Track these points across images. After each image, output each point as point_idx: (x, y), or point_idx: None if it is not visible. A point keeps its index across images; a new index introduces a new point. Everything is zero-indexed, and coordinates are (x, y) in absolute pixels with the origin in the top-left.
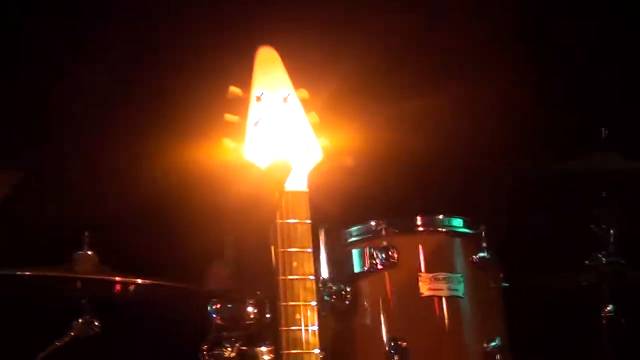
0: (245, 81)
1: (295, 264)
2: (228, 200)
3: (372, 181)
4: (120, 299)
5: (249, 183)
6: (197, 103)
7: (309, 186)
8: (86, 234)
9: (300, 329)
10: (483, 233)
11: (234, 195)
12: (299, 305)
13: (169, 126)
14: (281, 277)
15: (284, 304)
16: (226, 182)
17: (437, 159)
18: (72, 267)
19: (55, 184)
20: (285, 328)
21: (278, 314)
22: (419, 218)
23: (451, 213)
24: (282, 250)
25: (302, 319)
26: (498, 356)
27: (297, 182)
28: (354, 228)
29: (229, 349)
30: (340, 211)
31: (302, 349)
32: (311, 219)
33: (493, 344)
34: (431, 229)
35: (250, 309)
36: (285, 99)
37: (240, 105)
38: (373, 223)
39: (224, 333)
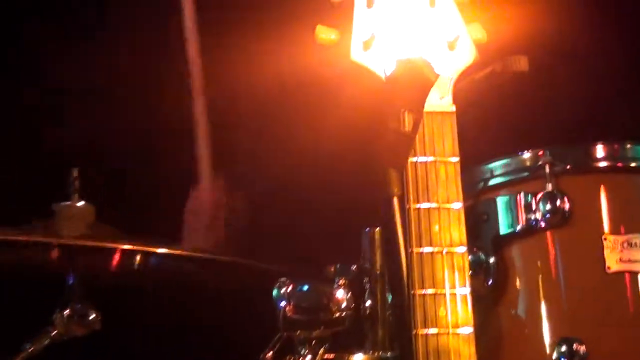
0: None
1: (437, 227)
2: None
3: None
4: (128, 279)
5: (359, 101)
6: None
7: (457, 104)
8: (74, 172)
9: (445, 332)
10: None
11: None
12: (441, 295)
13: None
14: (414, 250)
15: (419, 291)
16: (326, 100)
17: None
18: (51, 226)
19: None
20: (420, 331)
21: (407, 308)
22: (599, 148)
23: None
24: (416, 206)
25: (448, 315)
26: None
27: (438, 98)
28: (498, 163)
29: (307, 357)
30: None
31: None
32: (461, 156)
33: None
34: (620, 164)
35: (340, 293)
36: None
37: None
38: (529, 154)
39: (299, 332)
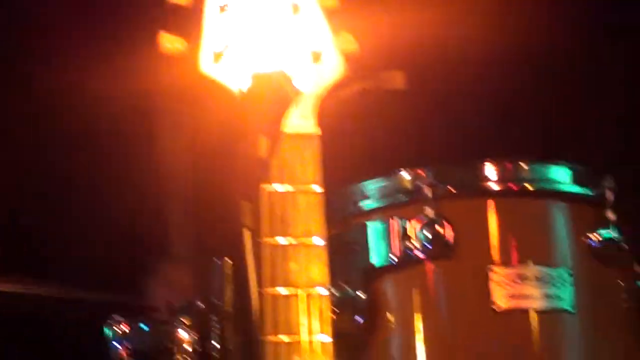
0: None
1: (294, 265)
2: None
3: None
4: None
5: (210, 119)
6: None
7: (322, 126)
8: None
9: None
10: (609, 193)
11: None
12: (297, 343)
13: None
14: (267, 290)
15: (272, 338)
16: (172, 118)
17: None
18: None
19: None
20: None
21: (258, 357)
22: (488, 167)
23: (548, 157)
24: (270, 241)
25: None
26: None
27: (300, 118)
28: (371, 184)
29: None
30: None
31: None
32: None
33: None
34: (512, 186)
35: (184, 334)
36: None
37: None
38: (406, 174)
39: None
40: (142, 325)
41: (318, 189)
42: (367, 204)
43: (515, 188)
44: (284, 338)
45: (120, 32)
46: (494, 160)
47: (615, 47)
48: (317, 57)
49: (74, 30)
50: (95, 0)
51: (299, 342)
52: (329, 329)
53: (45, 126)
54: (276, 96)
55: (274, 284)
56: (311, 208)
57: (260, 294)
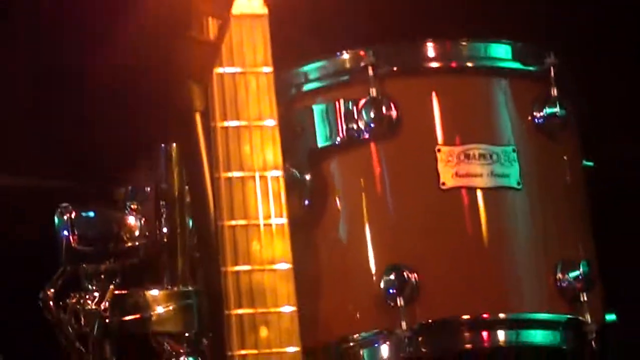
0: None
1: (247, 148)
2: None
3: None
4: None
5: (156, 4)
6: None
7: (269, 5)
8: None
9: (260, 269)
10: (552, 70)
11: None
12: (254, 226)
13: None
14: (222, 175)
15: (228, 222)
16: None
17: None
18: None
19: None
20: (230, 267)
21: (214, 241)
22: (430, 45)
23: (490, 35)
24: (223, 124)
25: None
26: (583, 294)
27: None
28: (313, 65)
29: (95, 293)
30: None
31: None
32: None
33: (573, 273)
34: (455, 64)
35: (132, 219)
36: None
37: None
38: (348, 55)
39: (84, 265)
40: (90, 211)
41: (268, 70)
42: (310, 86)
43: (455, 66)
44: (241, 222)
45: None
46: (435, 38)
47: None
48: None
49: None
50: None
51: (255, 225)
52: (285, 211)
53: None
54: None
55: (228, 168)
56: (262, 90)
57: (215, 179)
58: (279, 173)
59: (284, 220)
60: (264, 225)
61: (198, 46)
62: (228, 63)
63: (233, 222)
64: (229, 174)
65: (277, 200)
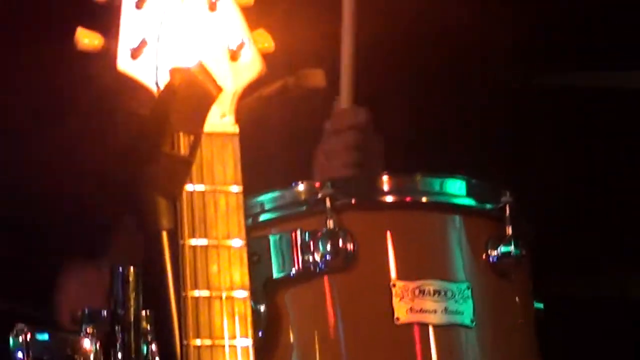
0: None
1: (215, 268)
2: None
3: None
4: None
5: (129, 118)
6: None
7: (240, 125)
8: None
9: None
10: (507, 208)
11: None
12: (219, 347)
13: None
14: (188, 294)
15: (194, 342)
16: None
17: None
18: None
19: None
20: None
21: None
22: (386, 179)
23: (447, 170)
24: (191, 242)
25: None
26: None
27: (219, 117)
28: (270, 195)
29: None
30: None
31: None
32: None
33: None
34: (410, 199)
35: (87, 343)
36: None
37: None
38: (305, 186)
39: None
40: (45, 334)
41: (238, 189)
42: (266, 216)
43: (410, 200)
44: (206, 341)
45: (37, 27)
46: (390, 173)
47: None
48: (234, 55)
49: None
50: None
51: (221, 346)
52: (250, 332)
53: None
54: (196, 92)
55: (195, 287)
56: (231, 209)
57: (181, 297)
58: (246, 294)
59: (250, 341)
60: (229, 345)
61: (170, 162)
62: (198, 180)
63: (198, 342)
64: (196, 293)
65: (243, 320)
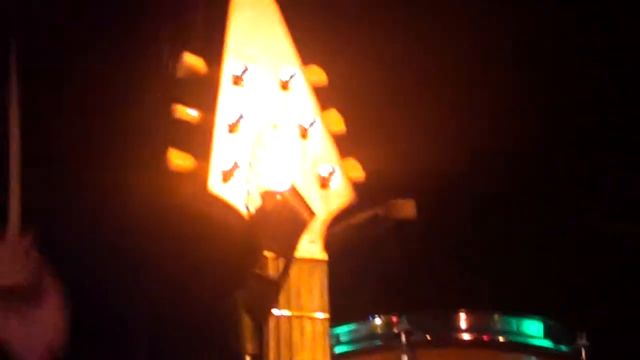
0: (212, 47)
1: None
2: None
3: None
4: None
5: (218, 240)
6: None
7: (328, 252)
8: None
9: None
10: (583, 351)
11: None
12: None
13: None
14: None
15: None
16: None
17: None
18: None
19: None
20: None
21: None
22: (464, 317)
23: (523, 311)
24: None
25: None
26: None
27: (307, 242)
28: (345, 328)
29: None
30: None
31: None
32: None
33: None
34: (487, 337)
35: None
36: (284, 84)
37: (201, 90)
38: (381, 320)
39: None
40: None
41: (324, 316)
42: (341, 348)
43: (487, 339)
44: None
45: (131, 148)
46: (468, 310)
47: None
48: (325, 182)
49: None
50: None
51: None
52: None
53: None
54: (290, 217)
55: None
56: (318, 335)
57: None
58: None
59: None
60: None
61: (260, 284)
62: (284, 305)
63: None
64: None
65: None
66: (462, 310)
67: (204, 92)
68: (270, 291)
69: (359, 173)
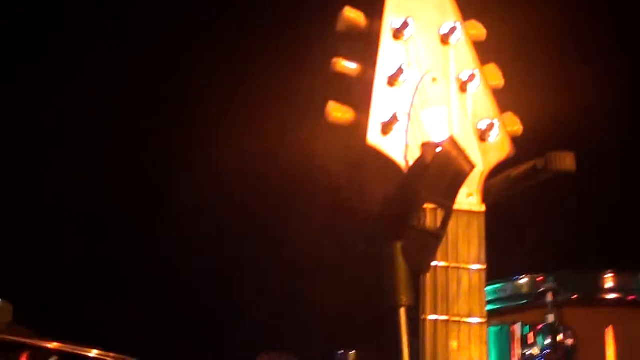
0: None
1: (455, 344)
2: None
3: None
4: None
5: (377, 191)
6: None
7: (487, 204)
8: None
9: None
10: None
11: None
12: None
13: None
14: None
15: None
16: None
17: None
18: None
19: None
20: None
21: None
22: (610, 277)
23: None
24: (432, 318)
25: None
26: None
27: (465, 195)
28: (490, 287)
29: None
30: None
31: None
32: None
33: None
34: (634, 297)
35: None
36: (444, 38)
37: (361, 44)
38: (526, 279)
39: None
40: None
41: (481, 267)
42: (488, 307)
43: (633, 299)
44: None
45: (291, 95)
46: (613, 270)
47: None
48: (484, 135)
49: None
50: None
51: None
52: None
53: None
54: (451, 166)
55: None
56: (474, 287)
57: None
58: None
59: None
60: None
61: (420, 236)
62: (442, 257)
63: None
64: None
65: None
66: (607, 270)
67: (364, 46)
68: (431, 242)
69: (517, 127)
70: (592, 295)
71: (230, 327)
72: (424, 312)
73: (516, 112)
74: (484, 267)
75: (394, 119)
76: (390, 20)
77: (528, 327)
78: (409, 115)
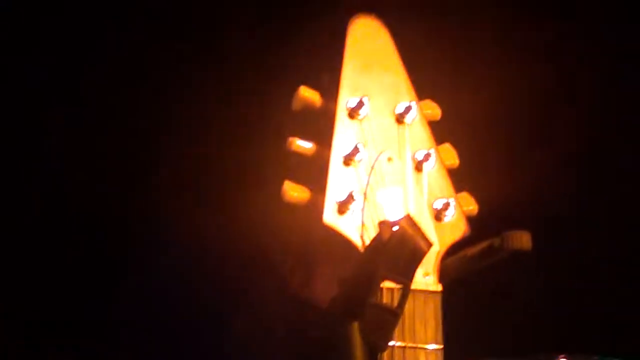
0: (327, 76)
1: None
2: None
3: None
4: None
5: (333, 270)
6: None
7: (443, 284)
8: None
9: None
10: None
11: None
12: None
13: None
14: None
15: None
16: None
17: None
18: None
19: None
20: None
21: None
22: None
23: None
24: None
25: None
26: None
27: (421, 274)
28: None
29: None
30: None
31: None
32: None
33: None
34: None
35: None
36: (399, 117)
37: (316, 123)
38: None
39: None
40: None
41: (437, 347)
42: None
43: None
44: None
45: (247, 180)
46: (566, 355)
47: None
48: (438, 214)
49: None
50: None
51: None
52: None
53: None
54: (408, 245)
55: None
56: None
57: None
58: None
59: None
60: None
61: (378, 313)
62: (399, 337)
63: None
64: None
65: None
66: (560, 355)
67: (319, 125)
68: (389, 321)
69: (472, 206)
70: None
71: None
72: None
73: (472, 192)
74: (441, 347)
75: (349, 198)
76: (345, 99)
77: None
78: (365, 194)
